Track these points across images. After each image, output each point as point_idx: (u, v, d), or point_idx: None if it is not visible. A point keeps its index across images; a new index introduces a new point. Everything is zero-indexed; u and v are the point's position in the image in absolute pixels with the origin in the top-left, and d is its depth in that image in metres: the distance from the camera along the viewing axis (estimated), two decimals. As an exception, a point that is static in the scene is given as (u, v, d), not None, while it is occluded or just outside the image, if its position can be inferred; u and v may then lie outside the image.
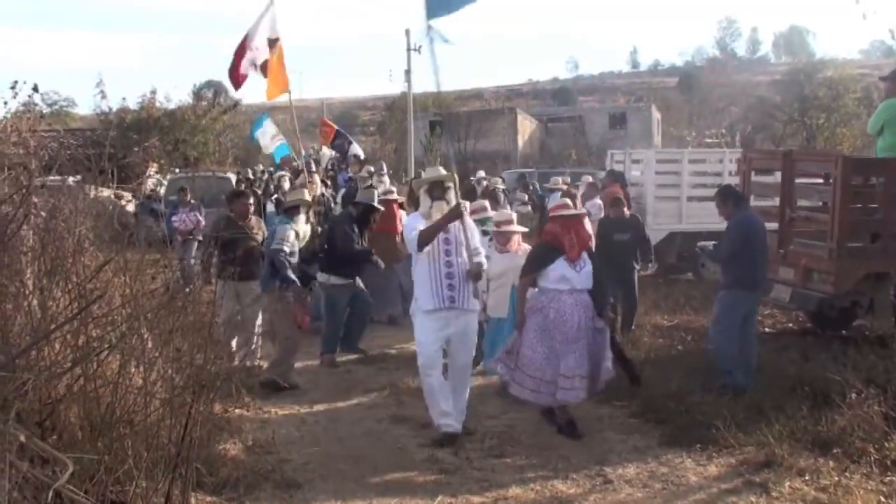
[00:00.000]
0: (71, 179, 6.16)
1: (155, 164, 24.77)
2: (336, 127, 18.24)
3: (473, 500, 5.36)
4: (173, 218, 13.54)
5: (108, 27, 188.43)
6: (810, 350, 8.46)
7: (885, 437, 5.84)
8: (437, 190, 6.52)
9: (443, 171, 6.86)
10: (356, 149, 17.39)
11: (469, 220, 6.73)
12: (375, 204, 9.25)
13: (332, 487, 5.54)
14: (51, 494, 3.12)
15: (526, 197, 16.54)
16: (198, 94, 41.05)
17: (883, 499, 5.14)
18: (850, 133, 38.51)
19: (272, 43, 10.85)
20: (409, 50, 29.10)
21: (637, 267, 9.68)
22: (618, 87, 78.74)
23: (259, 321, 8.42)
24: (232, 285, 7.84)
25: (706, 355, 8.49)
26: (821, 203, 9.15)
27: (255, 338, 8.32)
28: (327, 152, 19.11)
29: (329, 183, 16.38)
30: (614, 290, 8.44)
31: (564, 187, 15.40)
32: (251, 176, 21.65)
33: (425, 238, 6.31)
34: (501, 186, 16.20)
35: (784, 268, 9.00)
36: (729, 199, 7.73)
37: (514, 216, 8.20)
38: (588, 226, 6.93)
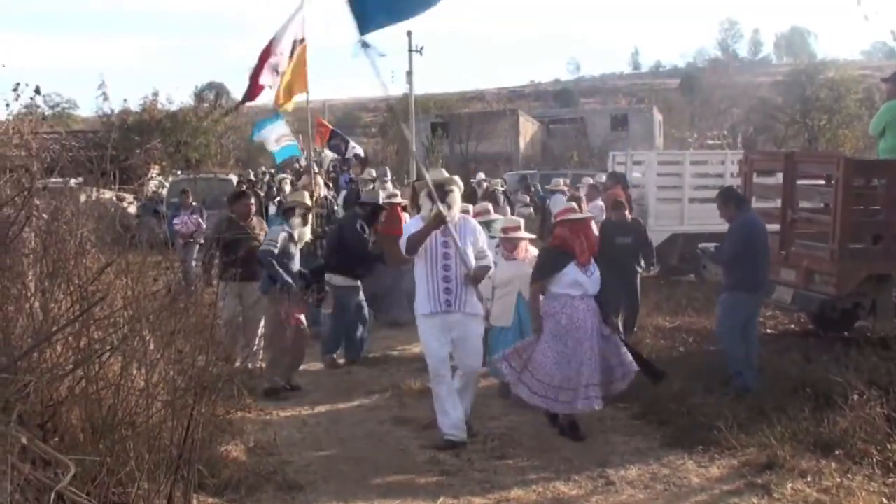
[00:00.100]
0: (73, 181, 6.18)
1: (157, 166, 24.78)
2: (331, 127, 18.14)
3: (475, 502, 5.35)
4: (174, 220, 13.54)
5: (109, 29, 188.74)
6: (812, 351, 8.45)
7: (888, 438, 5.83)
8: (436, 193, 6.43)
9: (445, 174, 6.82)
10: (356, 148, 17.27)
11: (473, 221, 6.72)
12: (381, 202, 9.26)
13: (334, 489, 5.54)
14: (53, 496, 3.12)
15: (528, 199, 16.54)
16: (199, 95, 41.17)
17: (885, 500, 5.14)
18: (851, 134, 38.51)
19: (296, 44, 10.70)
20: (410, 51, 29.04)
21: (640, 270, 9.66)
22: (619, 89, 78.67)
23: (262, 322, 8.41)
24: (234, 286, 7.82)
25: (708, 357, 8.51)
26: (822, 204, 9.14)
27: (258, 339, 8.32)
28: (329, 154, 19.08)
29: (331, 185, 16.36)
30: (617, 295, 8.40)
31: (565, 188, 15.44)
32: (252, 177, 21.69)
33: (411, 244, 6.33)
34: (501, 188, 16.23)
35: (786, 269, 8.99)
36: (730, 201, 7.73)
37: (522, 222, 8.09)
38: (594, 229, 6.91)
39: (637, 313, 9.79)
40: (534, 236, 8.13)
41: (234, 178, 20.79)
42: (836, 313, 9.09)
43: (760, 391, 7.12)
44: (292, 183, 17.04)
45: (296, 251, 8.08)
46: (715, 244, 8.26)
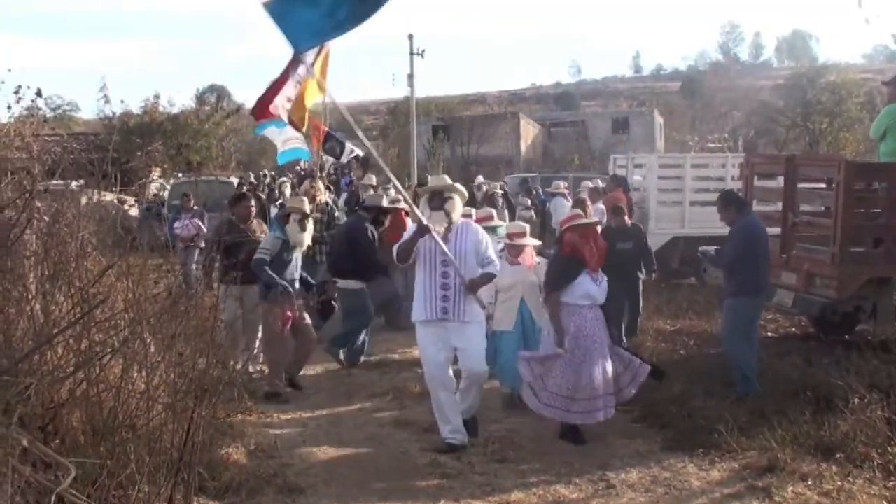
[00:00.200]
0: (74, 184, 6.19)
1: (158, 169, 24.80)
2: (326, 129, 18.01)
3: (475, 505, 5.35)
4: (175, 224, 13.53)
5: (109, 30, 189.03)
6: (813, 355, 8.44)
7: (888, 441, 5.83)
8: (435, 199, 6.40)
9: (447, 180, 6.73)
10: (355, 150, 17.13)
11: (475, 226, 6.61)
12: (385, 205, 9.25)
13: (335, 492, 5.54)
14: (53, 499, 3.12)
15: (529, 202, 16.52)
16: (201, 98, 41.20)
17: (886, 504, 5.14)
18: (852, 138, 38.53)
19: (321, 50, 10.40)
20: (412, 54, 29.14)
21: (642, 276, 9.63)
22: (620, 92, 78.71)
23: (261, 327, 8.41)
24: (235, 289, 7.80)
25: (709, 360, 8.51)
26: (823, 208, 9.14)
27: (258, 342, 8.33)
28: (330, 157, 19.01)
29: (332, 188, 16.35)
30: (620, 301, 8.39)
31: (566, 192, 15.43)
32: (254, 180, 21.69)
33: (400, 254, 6.32)
34: (500, 192, 16.22)
35: (787, 273, 8.99)
36: (731, 204, 7.71)
37: (528, 228, 7.98)
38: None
39: (638, 316, 9.78)
40: (539, 242, 8.06)
41: (236, 181, 20.79)
42: (837, 317, 9.08)
43: (761, 394, 7.12)
44: (293, 186, 17.05)
45: (293, 257, 7.97)
46: (715, 247, 8.25)
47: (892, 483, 5.43)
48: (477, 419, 6.61)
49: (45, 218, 5.34)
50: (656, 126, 46.17)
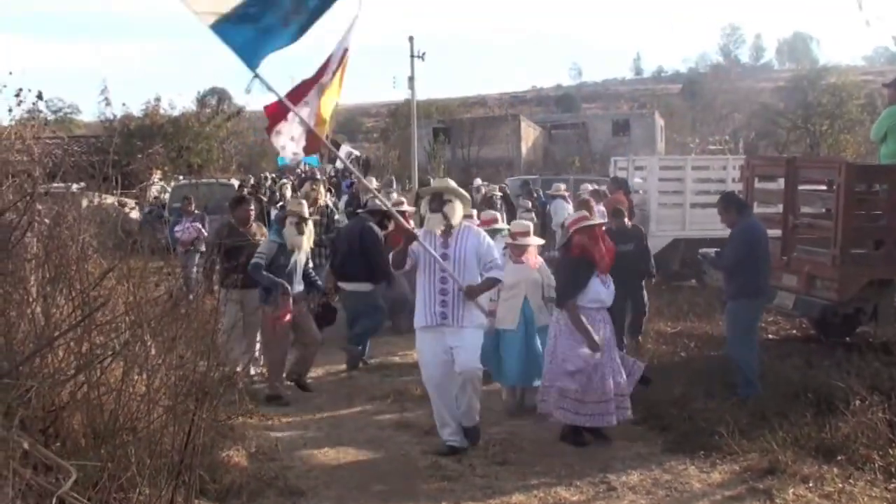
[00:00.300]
0: (75, 186, 6.19)
1: (159, 172, 24.84)
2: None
3: (476, 508, 5.35)
4: (176, 228, 13.52)
5: (110, 31, 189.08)
6: (814, 357, 8.45)
7: (889, 444, 5.82)
8: (435, 201, 6.36)
9: (450, 183, 6.70)
10: (354, 152, 17.12)
11: (477, 230, 6.57)
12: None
13: (336, 494, 5.54)
14: (54, 501, 3.13)
15: (530, 204, 16.51)
16: (201, 101, 41.26)
17: (887, 506, 5.14)
18: (853, 140, 38.55)
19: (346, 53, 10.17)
20: (412, 57, 29.15)
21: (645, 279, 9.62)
22: (621, 94, 78.89)
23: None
24: (235, 293, 7.78)
25: (709, 362, 8.50)
26: (824, 210, 9.15)
27: (258, 345, 8.33)
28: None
29: (332, 190, 16.36)
30: (622, 303, 8.37)
31: (566, 194, 15.43)
32: (254, 182, 21.72)
33: (394, 260, 6.34)
34: (499, 194, 16.23)
35: (787, 275, 8.99)
36: (731, 206, 7.71)
37: (531, 227, 7.98)
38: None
39: (643, 317, 9.75)
40: (542, 241, 8.03)
41: (236, 184, 20.81)
42: (838, 318, 9.07)
43: (762, 396, 7.11)
44: (293, 188, 17.05)
45: (290, 260, 7.94)
46: (716, 249, 8.25)
47: (893, 485, 5.42)
48: (479, 428, 6.48)
49: (46, 221, 5.34)
50: (657, 128, 46.24)
